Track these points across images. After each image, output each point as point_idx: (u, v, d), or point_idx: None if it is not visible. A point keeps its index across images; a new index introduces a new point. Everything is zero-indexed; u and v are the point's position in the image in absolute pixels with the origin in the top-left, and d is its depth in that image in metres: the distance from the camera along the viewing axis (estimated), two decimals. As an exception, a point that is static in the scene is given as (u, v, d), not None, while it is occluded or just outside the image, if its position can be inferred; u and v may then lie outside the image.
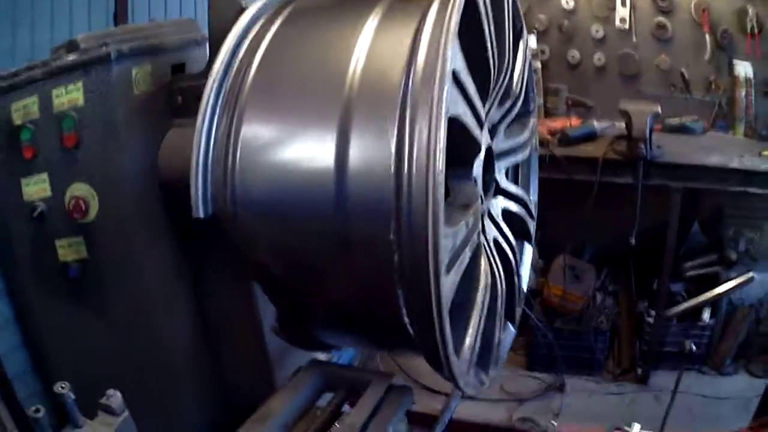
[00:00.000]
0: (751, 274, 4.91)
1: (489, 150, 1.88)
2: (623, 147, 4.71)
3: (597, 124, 5.22)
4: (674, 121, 5.35)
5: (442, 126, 1.32)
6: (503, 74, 1.84)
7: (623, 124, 4.75)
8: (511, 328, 2.10)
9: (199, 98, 1.76)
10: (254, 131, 1.64)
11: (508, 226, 2.07)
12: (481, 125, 1.67)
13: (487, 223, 1.90)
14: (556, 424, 2.82)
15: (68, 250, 2.11)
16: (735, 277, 4.97)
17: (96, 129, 1.95)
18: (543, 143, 4.75)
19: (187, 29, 2.28)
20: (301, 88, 1.64)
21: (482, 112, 1.68)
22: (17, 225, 2.17)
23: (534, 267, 5.17)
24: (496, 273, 1.81)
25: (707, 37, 5.41)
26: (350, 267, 1.53)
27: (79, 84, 1.92)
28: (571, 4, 5.79)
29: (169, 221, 2.06)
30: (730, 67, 5.39)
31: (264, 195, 1.64)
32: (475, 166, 1.73)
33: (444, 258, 1.38)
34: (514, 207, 2.14)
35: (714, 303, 5.05)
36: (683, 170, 4.60)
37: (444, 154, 1.33)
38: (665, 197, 4.62)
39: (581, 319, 5.30)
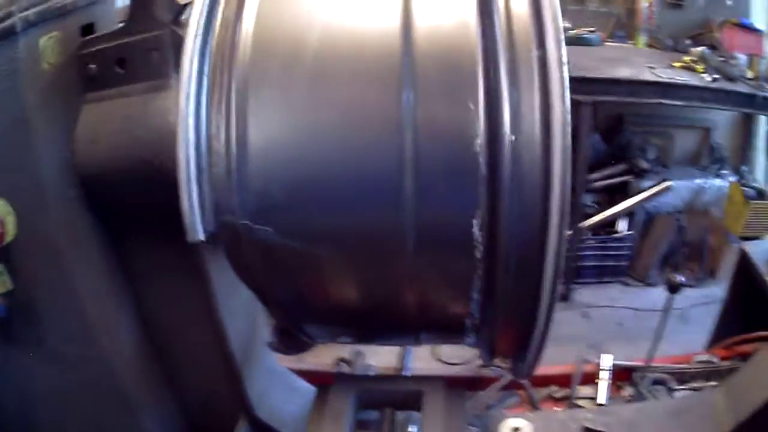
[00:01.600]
0: (668, 183, 5.00)
1: None
2: None
3: None
4: (569, 33, 5.27)
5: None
6: None
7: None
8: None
9: (121, 62, 1.49)
10: (270, 109, 1.16)
11: None
12: None
13: None
14: None
15: (-10, 284, 1.75)
16: (650, 187, 5.04)
17: (2, 125, 1.56)
18: None
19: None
20: (331, 39, 1.17)
21: None
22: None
23: None
24: None
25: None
26: (413, 260, 1.17)
27: None
28: None
29: (98, 225, 1.74)
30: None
31: (298, 199, 1.18)
32: None
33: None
34: None
35: (629, 214, 5.10)
36: (594, 84, 4.55)
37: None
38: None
39: None
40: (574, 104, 4.56)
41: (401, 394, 1.52)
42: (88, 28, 1.72)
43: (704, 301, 4.46)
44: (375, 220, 1.17)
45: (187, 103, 1.15)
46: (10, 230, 1.61)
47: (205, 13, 1.19)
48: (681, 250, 5.27)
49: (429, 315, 1.31)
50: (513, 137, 1.06)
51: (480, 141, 1.06)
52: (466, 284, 1.19)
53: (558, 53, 1.07)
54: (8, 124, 1.56)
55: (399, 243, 1.14)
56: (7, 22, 1.50)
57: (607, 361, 2.68)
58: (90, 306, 1.81)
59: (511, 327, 1.26)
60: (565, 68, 1.07)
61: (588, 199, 5.25)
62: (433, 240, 1.15)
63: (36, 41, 1.54)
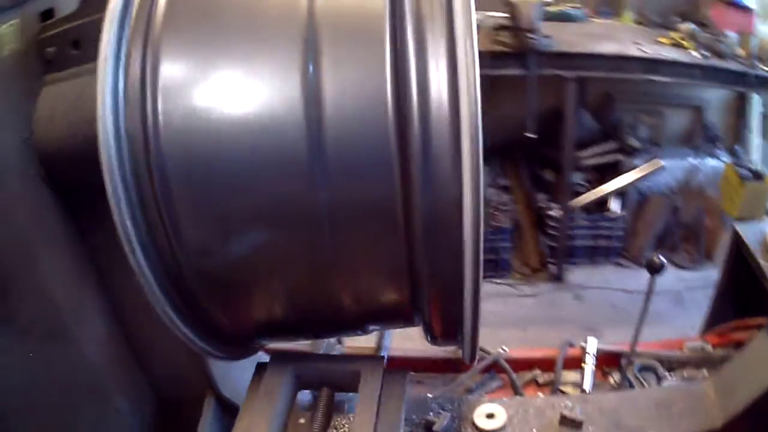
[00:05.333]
0: (660, 162, 4.96)
1: None
2: (509, 38, 4.54)
3: None
4: (554, 9, 5.21)
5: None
6: None
7: (503, 15, 4.63)
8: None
9: (76, 43, 1.47)
10: (179, 69, 1.13)
11: None
12: None
13: None
14: (507, 349, 2.62)
15: (-43, 269, 1.74)
16: (640, 165, 5.01)
17: None
18: None
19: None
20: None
21: None
22: None
23: None
24: None
25: None
26: (333, 245, 1.11)
27: None
28: None
29: (60, 203, 1.73)
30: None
31: (204, 159, 1.12)
32: None
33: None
34: None
35: (622, 193, 5.07)
36: (578, 59, 4.51)
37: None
38: (552, 87, 4.54)
39: None
40: (558, 80, 4.56)
41: (339, 374, 1.43)
42: (47, 14, 1.75)
43: (702, 284, 4.39)
44: (286, 206, 1.12)
45: (105, 69, 1.13)
46: None
47: None
48: (676, 231, 5.24)
49: (366, 304, 1.26)
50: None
51: (390, 110, 1.02)
52: (393, 267, 1.14)
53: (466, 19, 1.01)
54: None
55: (315, 227, 1.09)
56: None
57: (592, 345, 2.52)
58: (54, 284, 1.80)
59: (441, 310, 1.21)
60: (474, 35, 1.00)
61: (578, 178, 5.18)
62: (349, 221, 1.09)
63: None
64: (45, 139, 1.60)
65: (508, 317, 4.73)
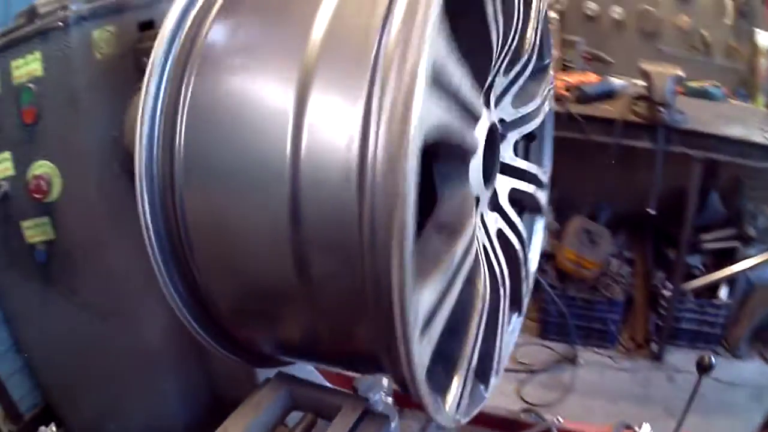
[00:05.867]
0: (772, 255, 4.64)
1: (492, 128, 1.56)
2: (643, 109, 4.45)
3: (616, 82, 4.94)
4: (695, 84, 5.07)
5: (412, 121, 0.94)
6: (511, 38, 1.49)
7: (643, 84, 4.51)
8: (517, 322, 1.89)
9: None
10: (201, 100, 1.23)
11: (516, 202, 1.82)
12: (475, 118, 1.31)
13: (489, 216, 1.62)
14: (561, 420, 2.60)
15: (35, 231, 1.99)
16: (755, 255, 4.72)
17: (55, 101, 1.81)
18: (559, 99, 4.52)
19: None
20: (258, 45, 1.24)
21: (476, 104, 1.29)
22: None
23: (548, 228, 5.01)
24: (498, 274, 1.55)
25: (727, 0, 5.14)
26: (308, 285, 1.18)
27: (37, 53, 1.78)
28: (588, -47, 5.54)
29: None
30: (752, 35, 5.10)
31: (209, 189, 1.24)
32: (471, 171, 1.33)
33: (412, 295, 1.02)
34: (522, 185, 1.86)
35: (732, 281, 4.80)
36: (705, 139, 4.33)
37: (416, 160, 0.96)
38: (683, 164, 4.37)
39: (595, 287, 5.05)
40: (685, 158, 4.44)
41: (325, 403, 1.52)
42: (148, 25, 1.93)
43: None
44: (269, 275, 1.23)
45: (147, 94, 1.27)
46: (55, 191, 1.87)
47: (181, 11, 1.30)
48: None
49: (343, 349, 1.34)
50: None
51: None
52: (355, 318, 1.19)
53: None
54: (61, 102, 1.80)
55: (287, 275, 1.17)
56: (60, 14, 1.73)
57: (645, 430, 2.51)
58: (122, 269, 1.98)
59: (395, 371, 1.23)
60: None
61: (695, 260, 5.00)
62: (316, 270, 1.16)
63: (89, 33, 1.76)
64: (129, 140, 1.77)
65: (601, 388, 4.70)
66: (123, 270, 1.99)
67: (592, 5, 5.68)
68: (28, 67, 1.81)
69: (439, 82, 1.04)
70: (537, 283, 4.43)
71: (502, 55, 1.49)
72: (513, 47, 1.53)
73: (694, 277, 4.89)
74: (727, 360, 4.87)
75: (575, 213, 5.22)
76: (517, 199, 1.83)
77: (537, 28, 1.71)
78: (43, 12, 1.78)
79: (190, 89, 1.25)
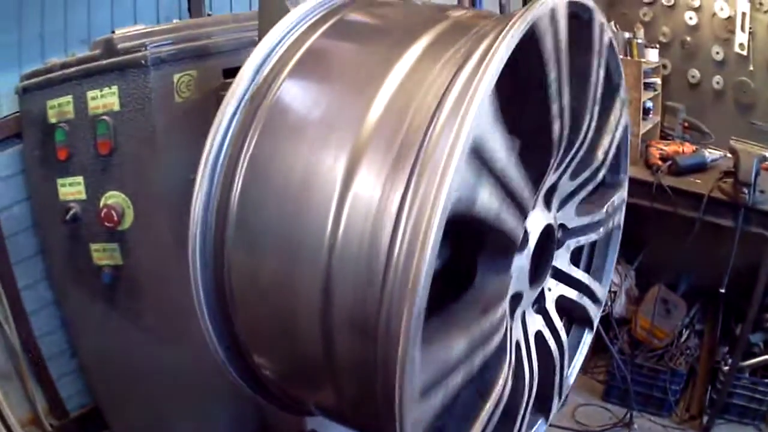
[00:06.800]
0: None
1: (548, 230, 1.52)
2: (729, 186, 4.40)
3: (708, 155, 4.91)
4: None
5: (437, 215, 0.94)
6: (579, 141, 1.44)
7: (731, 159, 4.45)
8: (542, 426, 1.82)
9: None
10: (259, 162, 1.24)
11: (566, 311, 1.75)
12: (521, 208, 1.25)
13: (532, 316, 1.58)
14: None
15: (103, 254, 2.05)
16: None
17: (132, 137, 1.84)
18: (652, 168, 4.65)
19: (249, 27, 2.11)
20: (319, 116, 1.23)
21: (525, 196, 1.24)
22: (51, 221, 2.12)
23: (628, 294, 5.08)
24: (526, 375, 1.50)
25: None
26: (331, 361, 1.19)
27: (115, 88, 1.81)
28: (695, 20, 5.41)
29: None
30: None
31: (254, 251, 1.24)
32: (513, 263, 1.31)
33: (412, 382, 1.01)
34: (574, 295, 1.78)
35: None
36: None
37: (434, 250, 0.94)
38: (761, 242, 4.28)
39: (662, 356, 5.05)
40: (762, 237, 4.32)
41: None
42: (234, 71, 2.01)
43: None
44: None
45: (210, 149, 1.27)
46: (127, 221, 1.92)
47: (253, 72, 1.31)
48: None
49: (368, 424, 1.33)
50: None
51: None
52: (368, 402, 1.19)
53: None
54: (140, 140, 1.83)
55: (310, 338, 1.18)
56: (138, 54, 1.74)
57: None
58: (183, 302, 2.02)
59: None
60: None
61: (758, 338, 4.88)
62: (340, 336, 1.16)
63: (170, 75, 1.78)
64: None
65: (649, 456, 4.65)
66: (185, 303, 2.03)
67: (696, 72, 5.55)
68: (104, 99, 1.85)
69: (481, 159, 1.04)
70: (606, 348, 4.35)
71: (568, 157, 1.45)
72: (582, 151, 1.49)
73: (754, 354, 4.79)
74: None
75: (656, 281, 5.17)
76: (566, 307, 1.77)
77: (614, 138, 1.66)
78: (121, 48, 1.81)
79: (250, 151, 1.24)
